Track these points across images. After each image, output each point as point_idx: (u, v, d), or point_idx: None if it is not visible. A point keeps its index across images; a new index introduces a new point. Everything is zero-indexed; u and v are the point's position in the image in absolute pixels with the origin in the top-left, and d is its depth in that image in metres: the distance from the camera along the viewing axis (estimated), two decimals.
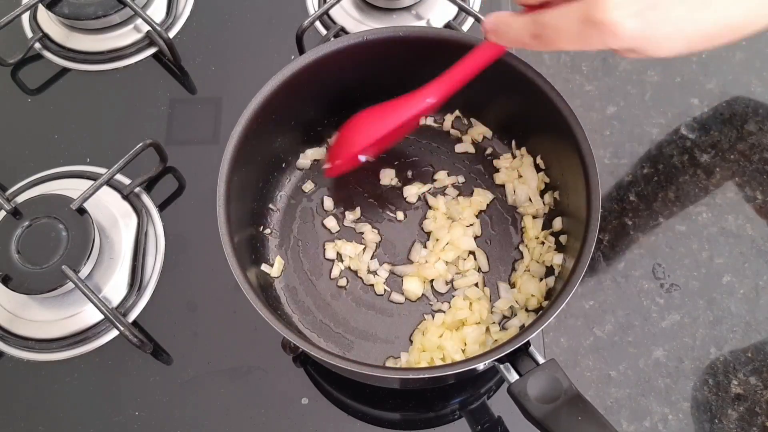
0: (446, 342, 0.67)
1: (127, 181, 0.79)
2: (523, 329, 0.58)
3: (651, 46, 0.49)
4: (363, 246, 0.73)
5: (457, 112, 0.78)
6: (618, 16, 0.47)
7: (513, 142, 0.76)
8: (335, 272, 0.72)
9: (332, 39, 0.81)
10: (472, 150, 0.77)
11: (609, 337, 0.72)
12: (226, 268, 0.59)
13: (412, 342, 0.69)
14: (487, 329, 0.68)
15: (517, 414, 0.56)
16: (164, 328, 0.73)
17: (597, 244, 0.60)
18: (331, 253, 0.73)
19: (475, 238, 0.73)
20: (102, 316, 0.71)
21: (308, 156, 0.77)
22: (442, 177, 0.76)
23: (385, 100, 0.78)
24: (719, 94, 0.83)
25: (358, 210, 0.75)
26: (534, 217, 0.73)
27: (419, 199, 0.76)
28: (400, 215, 0.75)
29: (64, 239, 0.70)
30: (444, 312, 0.70)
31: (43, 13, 0.89)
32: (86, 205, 0.72)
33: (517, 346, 0.56)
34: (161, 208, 0.79)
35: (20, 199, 0.76)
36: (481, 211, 0.74)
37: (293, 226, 0.75)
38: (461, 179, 0.76)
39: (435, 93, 0.65)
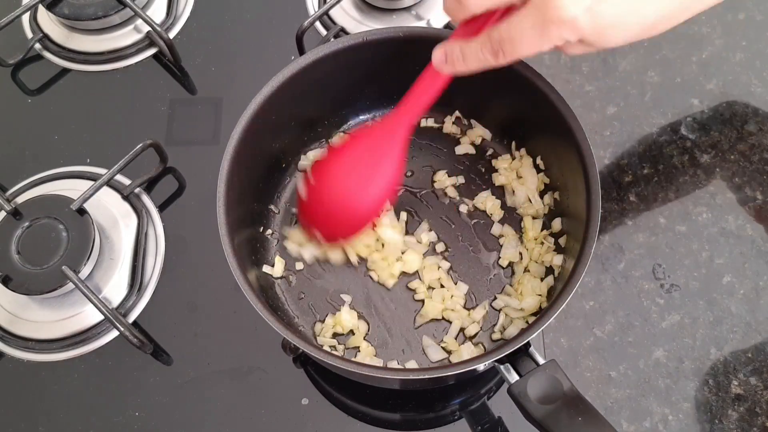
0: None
1: (127, 181, 0.79)
2: (524, 330, 0.58)
3: (601, 35, 0.51)
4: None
5: (457, 113, 0.78)
6: (574, 12, 0.49)
7: (513, 143, 0.76)
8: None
9: (332, 39, 0.82)
10: (472, 151, 0.77)
11: (609, 337, 0.72)
12: (226, 268, 0.59)
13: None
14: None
15: (517, 414, 0.56)
16: (164, 329, 0.73)
17: (597, 245, 0.60)
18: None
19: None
20: (102, 317, 0.71)
21: (309, 157, 0.77)
22: (442, 178, 0.76)
23: (385, 100, 0.78)
24: (719, 95, 0.83)
25: None
26: (534, 217, 0.73)
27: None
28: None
29: (64, 240, 0.70)
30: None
31: (43, 14, 0.89)
32: (86, 206, 0.72)
33: (517, 347, 0.56)
34: (161, 208, 0.79)
35: (20, 199, 0.76)
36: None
37: (293, 227, 0.75)
38: (461, 180, 0.76)
39: (403, 127, 0.64)
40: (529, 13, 0.51)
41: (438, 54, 0.59)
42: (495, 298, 0.70)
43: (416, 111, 0.64)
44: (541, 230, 0.72)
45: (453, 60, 0.58)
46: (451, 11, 0.55)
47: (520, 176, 0.75)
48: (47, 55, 0.88)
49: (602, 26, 0.50)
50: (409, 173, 0.77)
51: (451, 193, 0.76)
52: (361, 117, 0.79)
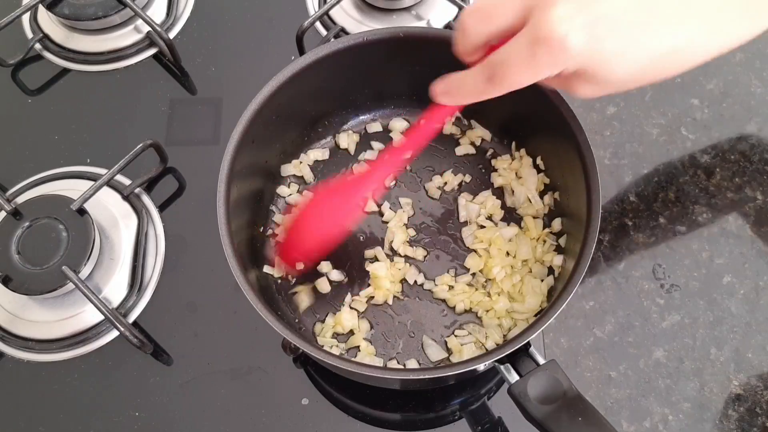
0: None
1: (127, 181, 0.79)
2: (524, 330, 0.58)
3: (601, 65, 0.48)
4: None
5: (457, 113, 0.78)
6: (565, 29, 0.46)
7: (513, 144, 0.76)
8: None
9: (332, 39, 0.82)
10: (472, 151, 0.77)
11: (609, 337, 0.72)
12: (226, 268, 0.59)
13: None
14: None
15: (518, 415, 0.56)
16: (164, 329, 0.73)
17: (597, 245, 0.60)
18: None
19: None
20: (102, 317, 0.71)
21: (309, 157, 0.77)
22: (448, 178, 0.76)
23: (385, 100, 0.78)
24: (719, 95, 0.83)
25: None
26: (534, 217, 0.73)
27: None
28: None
29: (65, 240, 0.70)
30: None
31: (43, 14, 0.89)
32: (86, 206, 0.72)
33: (517, 347, 0.56)
34: (161, 208, 0.79)
35: (20, 199, 0.77)
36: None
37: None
38: (467, 179, 0.76)
39: (399, 157, 0.65)
40: (522, 35, 0.48)
41: (438, 85, 0.58)
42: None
43: (413, 146, 0.63)
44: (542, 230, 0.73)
45: (450, 90, 0.56)
46: (458, 44, 0.54)
47: (519, 176, 0.75)
48: (47, 55, 0.88)
49: (601, 52, 0.47)
50: (408, 172, 0.77)
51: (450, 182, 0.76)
52: (361, 117, 0.79)
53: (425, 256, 0.73)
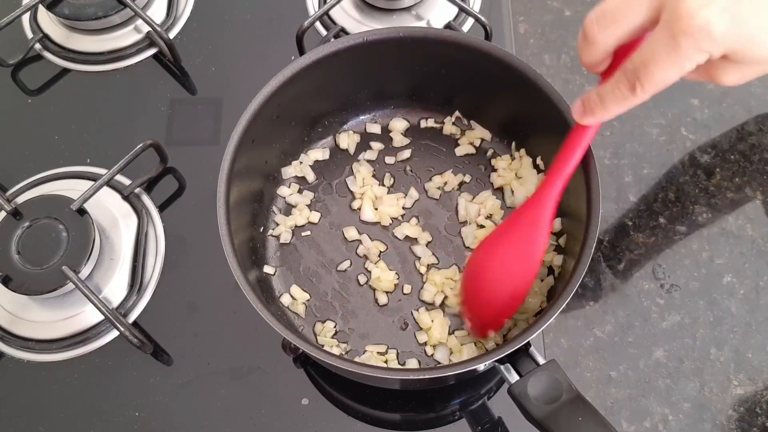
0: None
1: (127, 181, 0.79)
2: (524, 330, 0.58)
3: (750, 44, 0.46)
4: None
5: (457, 113, 0.78)
6: (705, 16, 0.44)
7: (513, 144, 0.76)
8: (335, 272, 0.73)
9: (332, 40, 0.82)
10: (472, 151, 0.77)
11: (609, 337, 0.72)
12: (226, 268, 0.59)
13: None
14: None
15: (518, 414, 0.56)
16: (164, 329, 0.73)
17: (597, 245, 0.60)
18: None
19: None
20: (102, 317, 0.71)
21: (309, 157, 0.77)
22: (448, 178, 0.76)
23: (385, 100, 0.78)
24: (719, 95, 0.83)
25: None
26: None
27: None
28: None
29: (65, 240, 0.70)
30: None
31: (43, 14, 0.89)
32: (86, 206, 0.72)
33: (517, 347, 0.56)
34: (161, 208, 0.79)
35: (20, 199, 0.76)
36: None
37: (294, 228, 0.75)
38: (467, 179, 0.76)
39: (548, 204, 0.61)
40: (659, 30, 0.46)
41: (576, 106, 0.56)
42: None
43: (564, 179, 0.60)
44: None
45: (591, 107, 0.54)
46: (585, 55, 0.52)
47: (519, 176, 0.75)
48: (47, 55, 0.88)
49: (745, 31, 0.45)
50: (409, 168, 0.77)
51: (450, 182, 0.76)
52: (361, 117, 0.79)
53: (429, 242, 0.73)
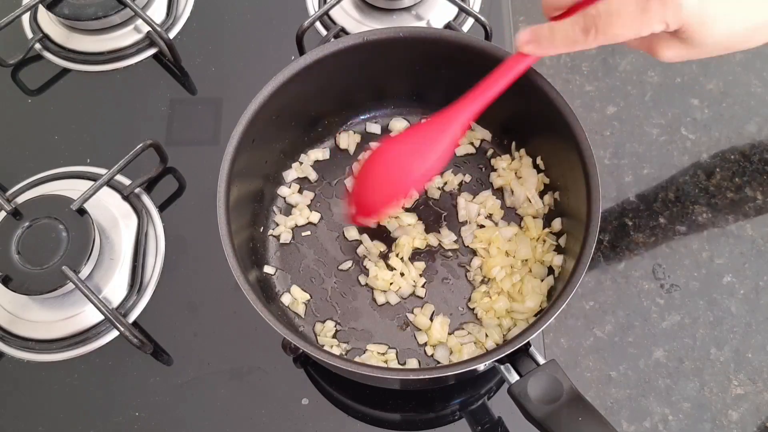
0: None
1: (127, 181, 0.79)
2: (524, 330, 0.58)
3: (702, 26, 0.48)
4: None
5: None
6: None
7: (513, 144, 0.76)
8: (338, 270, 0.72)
9: (332, 39, 0.82)
10: (472, 151, 0.77)
11: (609, 337, 0.72)
12: (226, 268, 0.59)
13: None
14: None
15: (518, 414, 0.56)
16: (164, 329, 0.73)
17: (597, 245, 0.59)
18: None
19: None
20: (102, 317, 0.71)
21: (310, 157, 0.77)
22: (448, 178, 0.76)
23: (385, 100, 0.78)
24: (719, 95, 0.83)
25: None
26: (534, 217, 0.73)
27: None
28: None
29: (65, 240, 0.70)
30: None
31: (43, 14, 0.89)
32: (86, 206, 0.72)
33: (517, 347, 0.56)
34: (161, 208, 0.79)
35: (20, 199, 0.76)
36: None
37: (294, 228, 0.75)
38: (467, 179, 0.76)
39: (464, 114, 0.62)
40: None
41: (523, 33, 0.56)
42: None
43: (485, 99, 0.60)
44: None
45: (539, 38, 0.55)
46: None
47: (519, 176, 0.75)
48: (47, 55, 0.88)
49: (706, 14, 0.48)
50: None
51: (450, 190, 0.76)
52: (361, 117, 0.79)
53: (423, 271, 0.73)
